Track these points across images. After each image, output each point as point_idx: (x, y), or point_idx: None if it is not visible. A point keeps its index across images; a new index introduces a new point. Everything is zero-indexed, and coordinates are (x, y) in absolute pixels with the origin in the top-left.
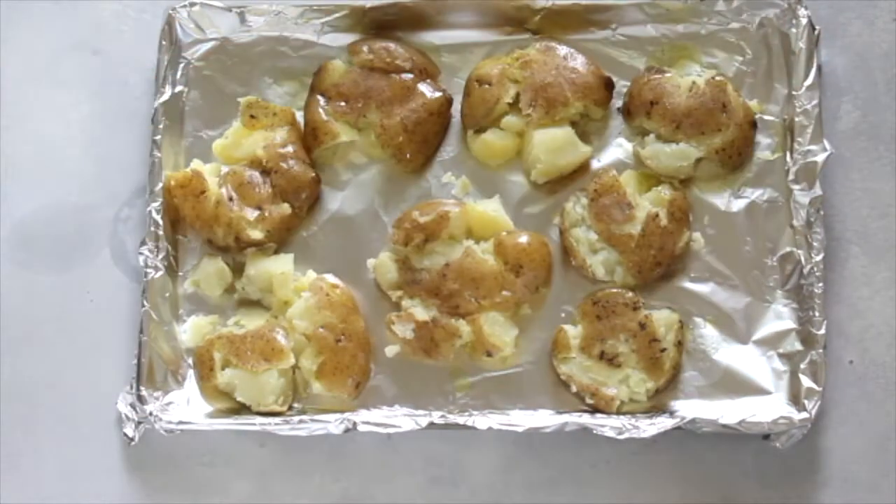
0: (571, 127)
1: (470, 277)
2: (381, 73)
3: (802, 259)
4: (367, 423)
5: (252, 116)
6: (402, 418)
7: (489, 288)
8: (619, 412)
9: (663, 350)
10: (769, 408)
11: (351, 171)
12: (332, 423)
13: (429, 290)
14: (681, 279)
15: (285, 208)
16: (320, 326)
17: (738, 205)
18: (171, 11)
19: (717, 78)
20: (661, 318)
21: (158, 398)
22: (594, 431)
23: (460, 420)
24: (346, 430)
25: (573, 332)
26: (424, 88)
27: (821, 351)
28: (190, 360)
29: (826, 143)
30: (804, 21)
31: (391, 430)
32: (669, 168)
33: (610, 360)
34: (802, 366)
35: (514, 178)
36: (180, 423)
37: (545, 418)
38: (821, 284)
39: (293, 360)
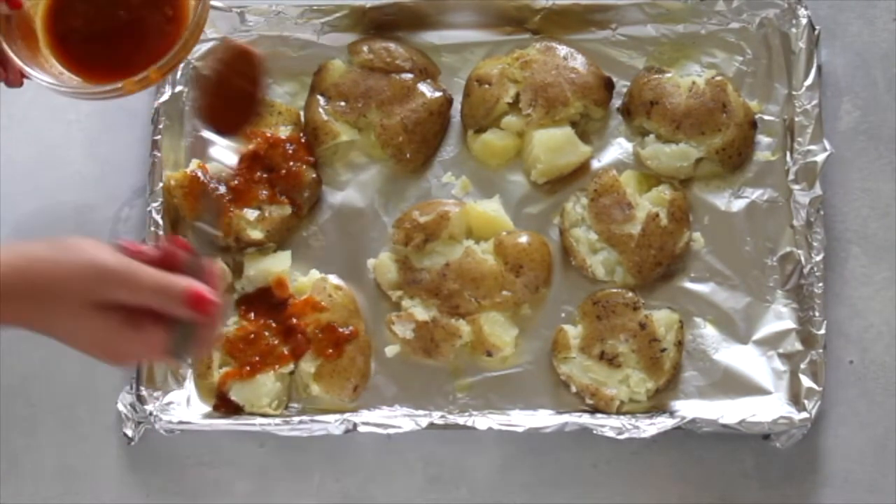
0: (571, 127)
1: (470, 277)
2: (381, 73)
3: (802, 259)
4: (367, 423)
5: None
6: (402, 419)
7: (489, 288)
8: (619, 412)
9: (663, 350)
10: (769, 408)
11: (351, 171)
12: (333, 424)
13: (429, 290)
14: (681, 279)
15: (285, 208)
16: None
17: (738, 205)
18: None
19: (717, 78)
20: (661, 318)
21: (158, 398)
22: (594, 431)
23: (460, 420)
24: (347, 431)
25: (573, 332)
26: (424, 88)
27: (821, 351)
28: (190, 360)
29: (826, 143)
30: (804, 21)
31: (391, 431)
32: (669, 168)
33: (610, 360)
34: (802, 366)
35: (514, 178)
36: (180, 423)
37: (545, 418)
38: (821, 284)
39: (291, 363)
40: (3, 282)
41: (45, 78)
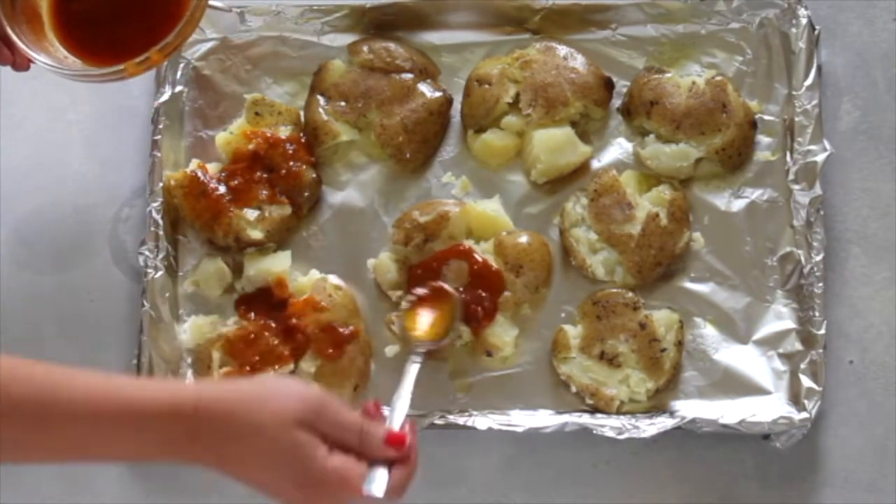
0: (571, 127)
1: None
2: (381, 73)
3: (802, 259)
4: None
5: (257, 114)
6: None
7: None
8: (619, 412)
9: (663, 350)
10: (769, 408)
11: (351, 171)
12: None
13: None
14: (681, 279)
15: (285, 208)
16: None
17: (738, 205)
18: None
19: (717, 78)
20: (661, 318)
21: None
22: (594, 431)
23: (460, 420)
24: None
25: (573, 332)
26: (424, 88)
27: (821, 351)
28: (189, 360)
29: (826, 143)
30: (804, 21)
31: None
32: (669, 168)
33: (610, 360)
34: (802, 366)
35: (514, 178)
36: None
37: (545, 418)
38: (821, 284)
39: (291, 363)
40: (206, 397)
41: (50, 62)
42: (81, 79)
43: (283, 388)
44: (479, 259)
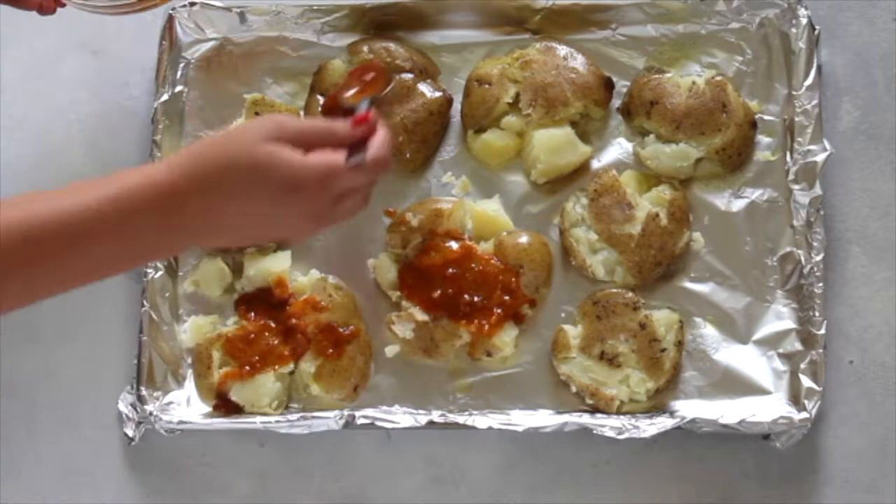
0: (571, 127)
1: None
2: None
3: (802, 259)
4: (367, 416)
5: (257, 114)
6: (401, 415)
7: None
8: (619, 412)
9: (663, 350)
10: (769, 408)
11: None
12: (332, 419)
13: None
14: (681, 279)
15: None
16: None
17: (738, 205)
18: (171, 11)
19: (717, 78)
20: (661, 318)
21: (158, 398)
22: (594, 431)
23: (460, 419)
24: (347, 425)
25: (573, 332)
26: (424, 88)
27: (821, 351)
28: (189, 360)
29: (826, 143)
30: (804, 21)
31: (390, 426)
32: (669, 168)
33: (610, 361)
34: (802, 366)
35: (514, 178)
36: (181, 422)
37: (545, 418)
38: (821, 284)
39: (291, 363)
40: (175, 161)
41: None
42: (112, 11)
43: (241, 126)
44: (480, 265)
